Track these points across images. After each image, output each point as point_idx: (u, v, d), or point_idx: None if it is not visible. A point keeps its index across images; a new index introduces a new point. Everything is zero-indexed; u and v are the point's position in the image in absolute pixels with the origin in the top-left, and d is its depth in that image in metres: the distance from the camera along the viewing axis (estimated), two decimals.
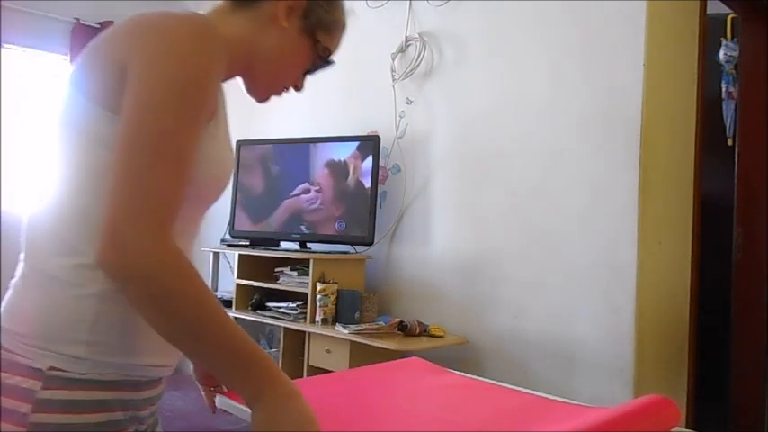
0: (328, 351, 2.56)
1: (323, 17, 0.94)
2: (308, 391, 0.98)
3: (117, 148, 0.73)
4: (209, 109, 0.81)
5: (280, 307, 2.83)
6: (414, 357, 1.37)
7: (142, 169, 0.72)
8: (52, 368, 0.77)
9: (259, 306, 2.94)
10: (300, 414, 0.74)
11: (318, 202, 2.94)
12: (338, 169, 2.91)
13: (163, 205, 0.72)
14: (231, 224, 3.22)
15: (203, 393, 1.09)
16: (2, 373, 0.78)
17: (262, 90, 0.96)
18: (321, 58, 0.97)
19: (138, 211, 0.70)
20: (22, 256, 0.86)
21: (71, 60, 3.89)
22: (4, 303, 0.85)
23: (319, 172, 2.97)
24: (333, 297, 2.64)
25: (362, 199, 2.79)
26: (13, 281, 0.86)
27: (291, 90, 1.00)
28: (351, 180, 2.86)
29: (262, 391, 0.74)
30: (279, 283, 2.85)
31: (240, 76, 0.94)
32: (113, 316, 0.80)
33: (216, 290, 3.30)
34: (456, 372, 1.31)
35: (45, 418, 0.76)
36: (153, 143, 0.73)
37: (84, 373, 0.78)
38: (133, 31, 0.80)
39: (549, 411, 1.07)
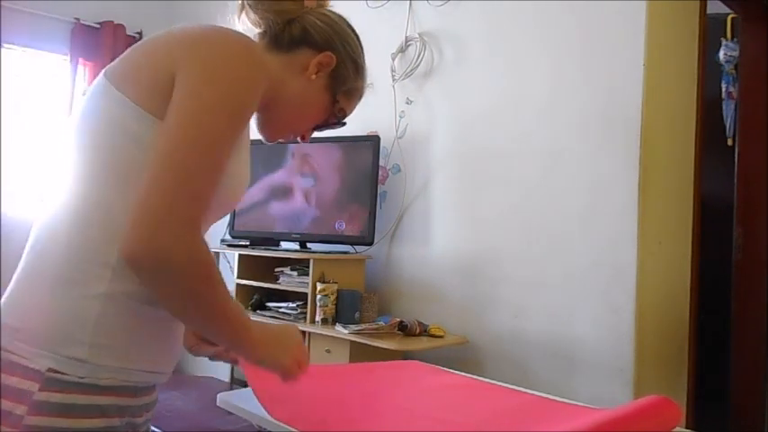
0: (328, 351, 2.56)
1: (347, 81, 1.00)
2: (308, 379, 0.98)
3: (161, 146, 0.75)
4: (246, 125, 0.85)
5: (280, 307, 2.83)
6: (413, 361, 1.37)
7: (187, 169, 0.74)
8: (51, 370, 0.76)
9: (259, 306, 2.94)
10: (278, 330, 0.93)
11: (313, 205, 2.94)
12: (338, 169, 2.91)
13: (200, 204, 0.75)
14: (231, 224, 3.22)
15: (190, 347, 1.05)
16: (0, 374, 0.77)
17: (274, 131, 1.00)
18: (336, 118, 1.03)
19: (178, 206, 0.73)
20: (26, 251, 0.86)
21: (71, 60, 3.89)
22: (3, 299, 0.84)
23: (319, 172, 2.97)
24: (333, 297, 2.64)
25: (362, 199, 2.79)
26: (15, 277, 0.85)
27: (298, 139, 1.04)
28: (351, 180, 2.86)
29: (248, 345, 0.88)
30: (279, 283, 2.85)
31: (258, 111, 0.96)
32: (117, 318, 0.80)
33: None
34: (456, 372, 1.31)
35: (41, 421, 0.75)
36: (200, 147, 0.76)
37: (82, 377, 0.77)
38: (188, 42, 0.83)
39: (550, 412, 1.07)
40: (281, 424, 0.96)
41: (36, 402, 0.75)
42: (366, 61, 1.04)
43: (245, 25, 0.98)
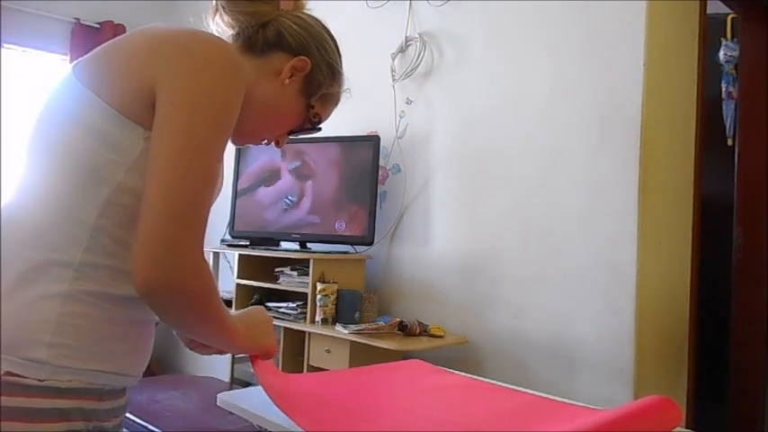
0: (328, 351, 2.56)
1: (322, 86, 0.97)
2: (309, 386, 0.98)
3: (159, 172, 0.74)
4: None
5: (280, 307, 2.83)
6: (414, 360, 1.37)
7: (189, 195, 0.74)
8: (8, 373, 0.74)
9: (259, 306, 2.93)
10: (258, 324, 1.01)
11: (313, 205, 2.94)
12: (338, 169, 2.91)
13: (203, 226, 0.76)
14: (231, 224, 3.22)
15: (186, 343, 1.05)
16: None
17: (242, 136, 0.97)
18: (311, 123, 0.99)
19: (186, 234, 0.74)
20: None
21: (71, 60, 3.89)
22: None
23: (319, 172, 2.97)
24: (333, 297, 2.64)
25: (362, 199, 2.79)
26: None
27: (272, 144, 1.02)
28: (351, 180, 2.86)
29: (237, 341, 0.93)
30: (279, 283, 2.85)
31: None
32: (79, 318, 0.78)
33: None
34: (456, 372, 1.31)
35: (1, 426, 0.73)
36: (197, 170, 0.75)
37: (42, 380, 0.75)
38: (163, 50, 0.80)
39: (550, 412, 1.07)
40: (281, 424, 0.96)
41: None
42: (343, 66, 1.01)
43: (219, 27, 0.96)
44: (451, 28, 2.76)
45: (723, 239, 2.91)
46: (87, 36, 3.94)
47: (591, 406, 1.10)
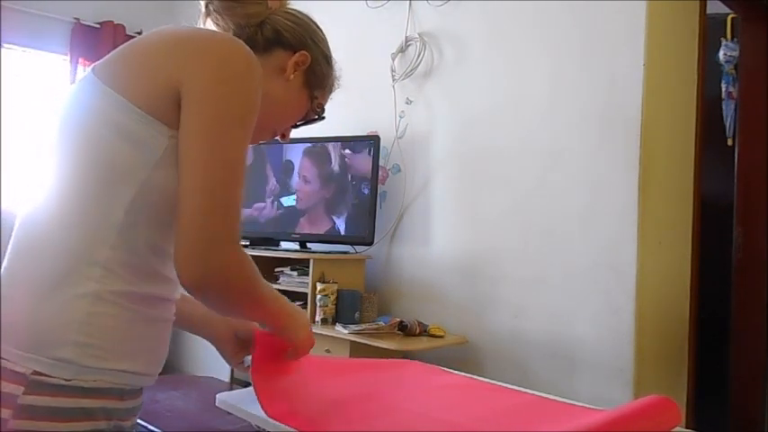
0: (328, 351, 2.56)
1: (321, 76, 1.02)
2: (307, 375, 0.98)
3: (191, 172, 0.77)
4: None
5: None
6: (413, 361, 1.36)
7: (224, 194, 0.78)
8: (36, 373, 0.75)
9: None
10: (299, 316, 1.04)
11: (312, 205, 2.94)
12: (338, 169, 2.91)
13: (238, 220, 0.80)
14: None
15: (230, 362, 1.13)
16: None
17: (256, 133, 0.97)
18: (315, 113, 1.04)
19: (225, 230, 0.78)
20: (9, 250, 0.84)
21: (71, 60, 3.89)
22: None
23: (319, 172, 2.97)
24: (333, 297, 2.64)
25: (362, 199, 2.79)
26: None
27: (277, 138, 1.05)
28: (351, 180, 2.86)
29: (275, 317, 0.99)
30: (279, 283, 2.85)
31: None
32: (104, 318, 0.79)
33: None
34: (456, 372, 1.31)
35: (26, 425, 0.74)
36: (229, 169, 0.79)
37: (68, 380, 0.76)
38: (187, 50, 0.83)
39: (550, 412, 1.07)
40: (280, 424, 0.96)
41: (21, 406, 0.74)
42: (332, 51, 1.05)
43: (216, 28, 0.97)
44: (451, 28, 2.76)
45: (723, 239, 2.90)
46: (87, 36, 3.94)
47: (591, 406, 1.10)
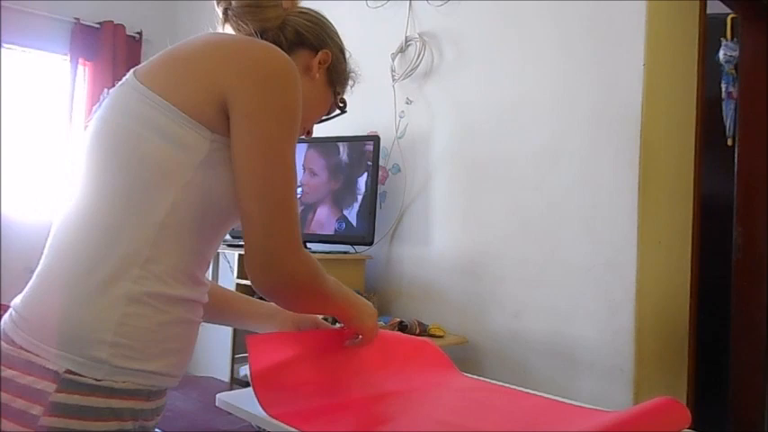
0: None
1: (342, 71, 1.06)
2: (311, 373, 0.99)
3: (245, 182, 0.82)
4: None
5: None
6: (430, 344, 1.34)
7: (277, 200, 0.83)
8: (68, 372, 0.77)
9: None
10: (365, 306, 1.10)
11: (312, 204, 2.94)
12: (338, 169, 2.91)
13: (297, 223, 0.85)
14: None
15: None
16: (14, 372, 0.77)
17: None
18: (338, 108, 1.08)
19: (290, 236, 0.83)
20: (47, 249, 0.86)
21: (71, 60, 3.89)
22: (22, 297, 0.85)
23: (319, 171, 2.97)
24: None
25: (362, 199, 2.79)
26: (35, 275, 0.85)
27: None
28: (350, 180, 2.86)
29: (343, 310, 1.06)
30: None
31: None
32: (138, 319, 0.80)
33: None
34: (469, 375, 1.30)
35: (56, 422, 0.75)
36: (282, 177, 0.83)
37: (99, 380, 0.77)
38: (233, 60, 0.85)
39: (556, 414, 1.07)
40: (280, 424, 0.96)
41: (52, 404, 0.75)
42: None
43: (236, 32, 0.98)
44: (451, 28, 2.76)
45: (723, 239, 2.90)
46: (87, 36, 3.94)
47: (592, 406, 1.10)
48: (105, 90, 0.85)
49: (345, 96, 1.10)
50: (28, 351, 0.78)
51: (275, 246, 0.82)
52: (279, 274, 0.83)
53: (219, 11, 0.99)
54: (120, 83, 0.89)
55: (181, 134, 0.82)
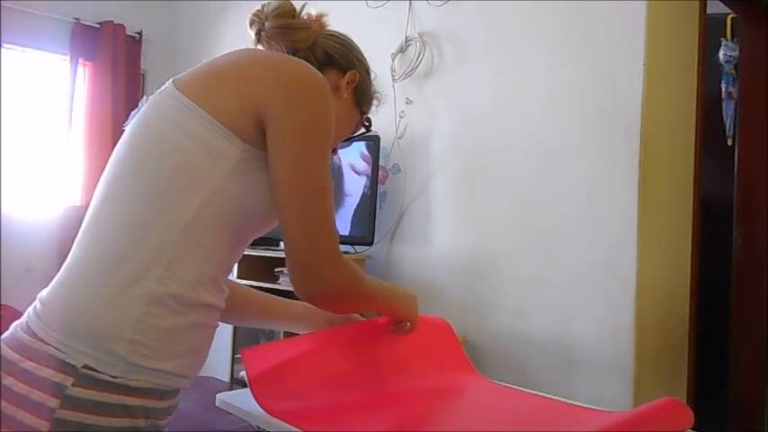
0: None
1: (368, 91, 1.11)
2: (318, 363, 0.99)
3: (284, 198, 0.87)
4: None
5: None
6: (441, 321, 1.35)
7: (315, 214, 0.88)
8: (86, 367, 0.79)
9: None
10: (405, 298, 1.23)
11: None
12: (338, 169, 2.91)
13: (336, 235, 0.91)
14: None
15: None
16: (33, 364, 0.79)
17: None
18: (365, 127, 1.13)
19: (331, 248, 0.89)
20: (75, 245, 0.88)
21: (71, 60, 3.89)
22: (46, 292, 0.87)
23: None
24: None
25: (362, 199, 2.79)
26: (62, 269, 0.88)
27: None
28: (350, 180, 2.86)
29: (387, 305, 1.17)
30: (279, 283, 2.84)
31: None
32: (157, 320, 0.82)
33: None
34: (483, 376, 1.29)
35: (71, 415, 0.77)
36: (319, 190, 0.88)
37: (115, 377, 0.79)
38: (269, 76, 0.89)
39: (561, 414, 1.07)
40: (280, 424, 0.95)
41: (68, 397, 0.78)
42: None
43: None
44: (451, 28, 2.76)
45: (723, 239, 2.90)
46: (87, 36, 3.94)
47: (592, 406, 1.10)
48: (144, 96, 0.90)
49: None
50: (48, 344, 0.80)
51: (315, 258, 0.87)
52: (320, 284, 0.88)
53: (252, 32, 1.03)
54: (159, 90, 0.93)
55: (212, 141, 0.85)
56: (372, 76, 1.13)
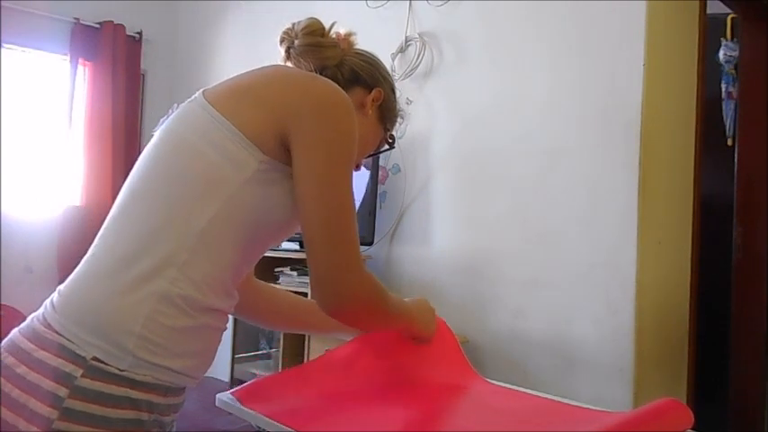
0: (329, 350, 2.56)
1: (392, 108, 1.13)
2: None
3: (308, 212, 0.88)
4: None
5: None
6: (440, 321, 1.33)
7: (338, 228, 0.89)
8: (95, 359, 0.82)
9: None
10: (424, 318, 1.20)
11: None
12: None
13: (358, 247, 0.92)
14: None
15: None
16: (47, 354, 0.83)
17: None
18: (388, 144, 1.15)
19: (353, 262, 0.90)
20: (96, 241, 0.91)
21: (71, 60, 3.89)
22: (65, 285, 0.90)
23: None
24: None
25: (362, 199, 2.79)
26: (81, 264, 0.91)
27: None
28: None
29: (406, 325, 1.15)
30: (279, 283, 2.85)
31: None
32: (167, 318, 0.85)
33: None
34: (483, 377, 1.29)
35: (78, 405, 0.80)
36: (342, 205, 0.90)
37: (122, 370, 0.82)
38: (295, 91, 0.92)
39: (562, 415, 1.07)
40: (280, 424, 0.96)
41: (77, 387, 0.80)
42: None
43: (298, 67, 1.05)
44: (451, 28, 2.76)
45: (723, 239, 2.90)
46: (87, 36, 3.94)
47: (592, 407, 1.10)
48: (175, 105, 0.94)
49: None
50: (60, 335, 0.83)
51: (337, 272, 0.89)
52: (342, 297, 0.89)
53: (282, 49, 1.06)
54: (189, 99, 0.97)
55: (232, 150, 0.87)
56: (398, 93, 1.14)
